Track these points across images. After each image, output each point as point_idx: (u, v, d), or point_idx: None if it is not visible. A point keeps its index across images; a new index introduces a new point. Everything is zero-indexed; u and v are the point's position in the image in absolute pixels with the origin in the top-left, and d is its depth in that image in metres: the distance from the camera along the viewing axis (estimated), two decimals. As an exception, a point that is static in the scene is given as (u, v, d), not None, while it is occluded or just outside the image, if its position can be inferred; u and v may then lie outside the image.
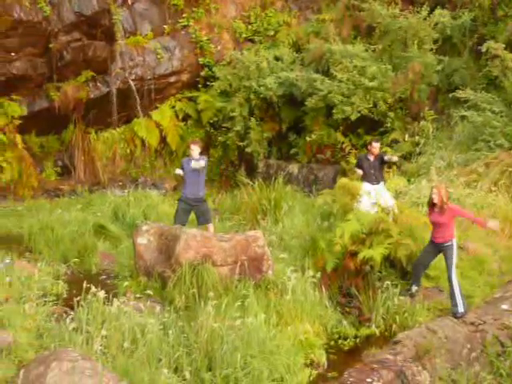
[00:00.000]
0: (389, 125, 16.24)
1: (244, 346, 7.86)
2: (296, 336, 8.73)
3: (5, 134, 16.37)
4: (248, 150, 17.50)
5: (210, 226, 12.53)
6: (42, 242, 12.47)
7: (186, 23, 19.32)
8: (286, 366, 7.74)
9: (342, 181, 12.25)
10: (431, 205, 9.83)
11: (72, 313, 8.79)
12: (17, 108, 16.53)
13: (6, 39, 15.72)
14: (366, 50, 17.21)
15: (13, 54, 16.04)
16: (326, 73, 17.04)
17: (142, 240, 10.79)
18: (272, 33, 19.98)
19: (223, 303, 8.82)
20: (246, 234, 10.73)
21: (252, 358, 7.67)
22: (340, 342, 9.40)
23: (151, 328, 8.31)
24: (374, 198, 11.83)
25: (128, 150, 19.08)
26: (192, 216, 12.83)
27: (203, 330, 8.16)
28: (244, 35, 20.05)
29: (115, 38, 17.71)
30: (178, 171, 12.53)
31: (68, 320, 8.50)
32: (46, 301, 9.60)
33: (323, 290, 9.97)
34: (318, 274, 10.10)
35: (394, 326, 9.68)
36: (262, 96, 17.61)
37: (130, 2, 18.60)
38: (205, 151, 13.30)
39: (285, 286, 9.72)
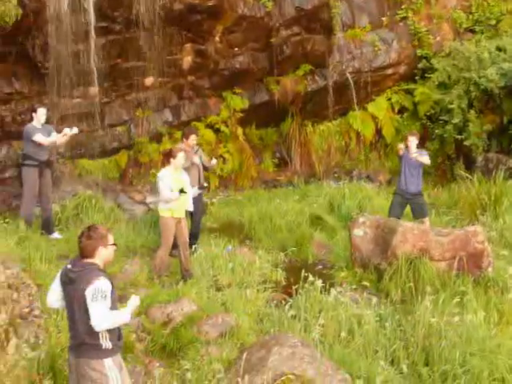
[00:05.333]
0: None
1: (463, 344, 7.69)
2: (518, 336, 8.39)
3: (227, 126, 17.06)
4: (466, 143, 16.94)
5: (426, 220, 12.36)
6: (261, 231, 12.98)
7: (404, 15, 19.01)
8: (507, 366, 7.44)
9: None
10: None
11: (290, 300, 9.07)
12: (239, 101, 17.13)
13: (231, 34, 16.32)
14: None
15: (236, 48, 16.65)
16: (555, 63, 16.10)
17: (358, 232, 10.89)
18: (494, 22, 19.12)
19: (440, 299, 8.68)
20: (464, 228, 10.49)
21: (471, 356, 7.48)
22: None
23: (368, 319, 8.37)
24: None
25: (343, 143, 19.16)
26: (407, 209, 12.73)
27: (420, 325, 8.08)
28: (464, 25, 19.36)
29: (333, 31, 17.84)
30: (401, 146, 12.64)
31: (287, 307, 8.81)
32: (265, 287, 10.01)
33: (548, 290, 9.49)
34: (542, 274, 9.64)
35: None
36: (482, 88, 16.94)
37: (348, -5, 18.68)
38: (420, 144, 13.09)
39: (506, 285, 9.37)
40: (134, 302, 5.83)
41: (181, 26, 15.26)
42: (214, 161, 12.55)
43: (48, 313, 7.74)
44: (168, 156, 10.54)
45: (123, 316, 5.68)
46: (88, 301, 5.49)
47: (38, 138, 11.79)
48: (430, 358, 7.70)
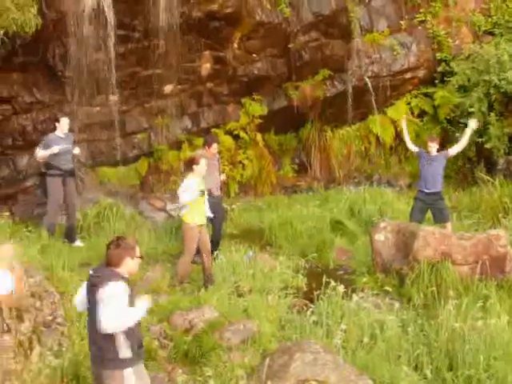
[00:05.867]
0: None
1: (486, 348, 7.63)
2: (542, 341, 8.31)
3: (246, 132, 17.06)
4: (487, 146, 16.81)
5: (448, 224, 12.28)
6: (282, 237, 12.97)
7: (423, 18, 18.93)
8: (532, 371, 7.40)
9: None
10: None
11: (312, 306, 9.06)
12: (257, 107, 17.10)
13: (249, 41, 16.33)
14: None
15: (254, 55, 16.66)
16: None
17: (379, 237, 10.86)
18: (513, 24, 19.08)
19: (463, 303, 8.63)
20: (487, 232, 10.42)
21: (495, 361, 7.43)
22: None
23: (390, 324, 8.34)
24: None
25: (363, 147, 19.07)
26: (428, 214, 12.66)
27: (443, 329, 8.05)
28: (483, 28, 19.25)
29: (352, 36, 17.81)
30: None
31: (309, 313, 8.79)
32: (286, 293, 9.99)
33: None
34: None
35: None
36: (502, 90, 16.83)
37: (367, -1, 18.65)
38: (441, 148, 13.04)
39: (530, 289, 9.31)
40: (146, 301, 5.82)
41: (199, 33, 15.30)
42: (223, 177, 12.63)
43: (71, 320, 7.78)
44: (191, 163, 10.61)
45: (136, 312, 5.64)
46: (100, 302, 5.53)
47: (38, 150, 12.21)
48: (453, 362, 7.66)
